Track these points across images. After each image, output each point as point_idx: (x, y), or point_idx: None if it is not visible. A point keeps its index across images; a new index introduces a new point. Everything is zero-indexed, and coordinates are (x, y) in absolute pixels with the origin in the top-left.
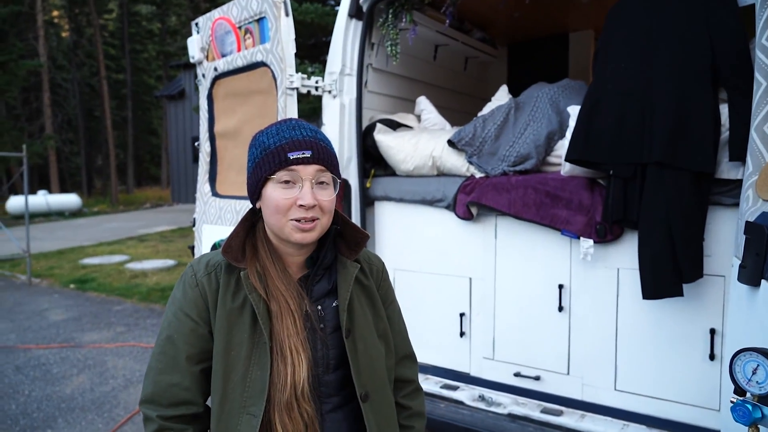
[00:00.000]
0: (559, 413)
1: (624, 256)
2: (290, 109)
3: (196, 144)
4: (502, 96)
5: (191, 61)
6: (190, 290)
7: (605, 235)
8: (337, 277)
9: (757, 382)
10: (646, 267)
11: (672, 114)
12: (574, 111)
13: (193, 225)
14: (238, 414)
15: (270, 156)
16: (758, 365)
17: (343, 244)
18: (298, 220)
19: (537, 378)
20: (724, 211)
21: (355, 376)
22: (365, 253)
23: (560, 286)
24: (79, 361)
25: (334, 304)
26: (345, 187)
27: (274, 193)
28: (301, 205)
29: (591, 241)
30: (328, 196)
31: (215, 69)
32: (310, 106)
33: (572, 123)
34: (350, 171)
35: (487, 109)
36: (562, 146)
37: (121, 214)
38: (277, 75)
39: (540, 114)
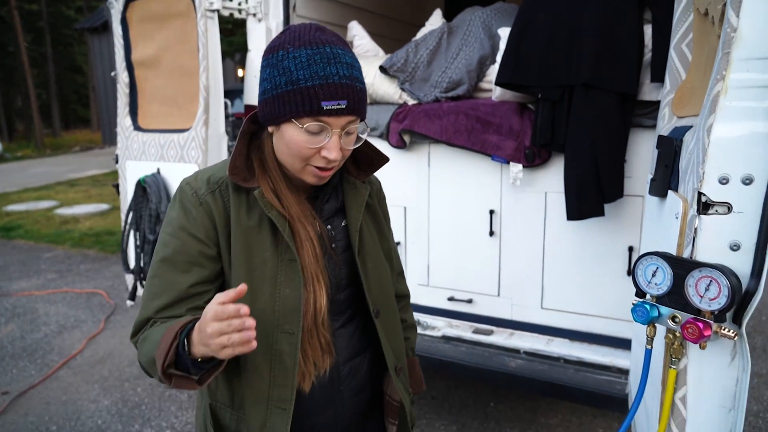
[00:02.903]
0: (489, 333)
1: (551, 180)
2: (211, 34)
3: (113, 74)
4: (435, 21)
5: None
6: (193, 209)
7: (534, 159)
8: (344, 197)
9: (655, 284)
10: (572, 189)
11: (598, 35)
12: (504, 33)
13: (116, 162)
14: (272, 333)
15: (298, 96)
16: (657, 268)
17: (352, 164)
18: (317, 167)
19: (469, 301)
20: (645, 132)
21: (368, 294)
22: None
23: (491, 212)
24: (7, 310)
25: (343, 224)
26: None
27: (297, 137)
28: (324, 156)
29: (520, 166)
30: (352, 144)
31: None
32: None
33: (503, 46)
34: None
35: (420, 35)
36: (494, 71)
37: (48, 158)
38: None
39: (472, 38)
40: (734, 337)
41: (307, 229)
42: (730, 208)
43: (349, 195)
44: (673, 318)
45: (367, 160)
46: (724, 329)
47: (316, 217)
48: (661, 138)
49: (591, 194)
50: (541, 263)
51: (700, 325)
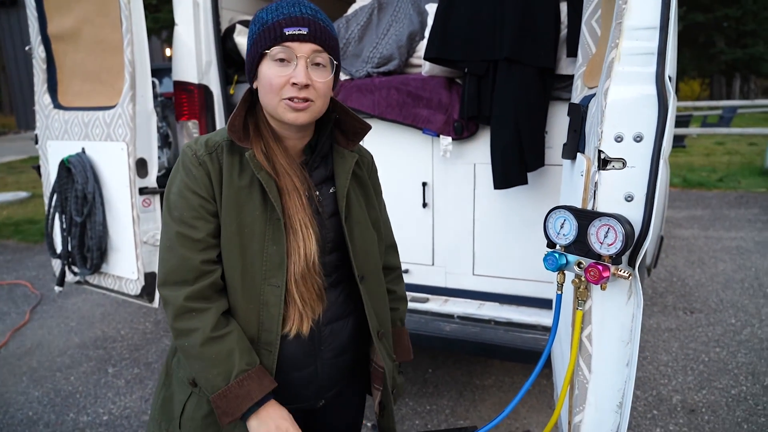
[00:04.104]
0: (425, 300)
1: (479, 152)
2: (134, 6)
3: (27, 48)
4: None
5: None
6: (194, 169)
7: (462, 132)
8: (333, 166)
9: (563, 234)
10: (497, 159)
11: (519, 11)
12: (431, 9)
13: (36, 142)
14: (260, 285)
15: (266, 31)
16: (565, 220)
17: (340, 134)
18: (290, 99)
19: (406, 271)
20: (563, 105)
21: (354, 258)
22: (357, 145)
23: (424, 184)
24: None
25: (331, 191)
26: (206, 94)
27: (269, 71)
28: (294, 84)
29: (449, 139)
30: (322, 78)
31: None
32: None
33: (430, 21)
34: (211, 77)
35: (351, 10)
36: (423, 47)
37: None
38: None
39: (402, 14)
40: (628, 277)
41: (294, 180)
42: (624, 164)
43: (338, 164)
44: (579, 264)
45: (353, 129)
46: (620, 270)
47: (306, 176)
48: (571, 105)
49: (515, 164)
50: (472, 232)
51: (600, 267)
